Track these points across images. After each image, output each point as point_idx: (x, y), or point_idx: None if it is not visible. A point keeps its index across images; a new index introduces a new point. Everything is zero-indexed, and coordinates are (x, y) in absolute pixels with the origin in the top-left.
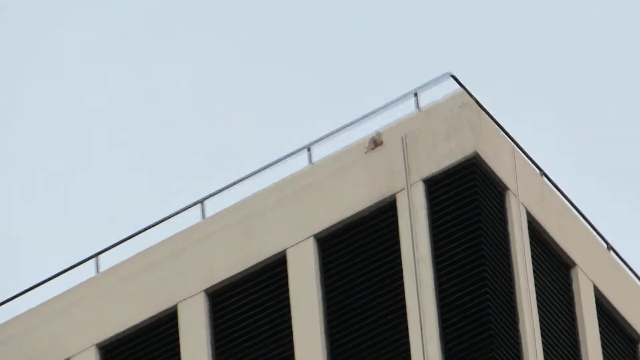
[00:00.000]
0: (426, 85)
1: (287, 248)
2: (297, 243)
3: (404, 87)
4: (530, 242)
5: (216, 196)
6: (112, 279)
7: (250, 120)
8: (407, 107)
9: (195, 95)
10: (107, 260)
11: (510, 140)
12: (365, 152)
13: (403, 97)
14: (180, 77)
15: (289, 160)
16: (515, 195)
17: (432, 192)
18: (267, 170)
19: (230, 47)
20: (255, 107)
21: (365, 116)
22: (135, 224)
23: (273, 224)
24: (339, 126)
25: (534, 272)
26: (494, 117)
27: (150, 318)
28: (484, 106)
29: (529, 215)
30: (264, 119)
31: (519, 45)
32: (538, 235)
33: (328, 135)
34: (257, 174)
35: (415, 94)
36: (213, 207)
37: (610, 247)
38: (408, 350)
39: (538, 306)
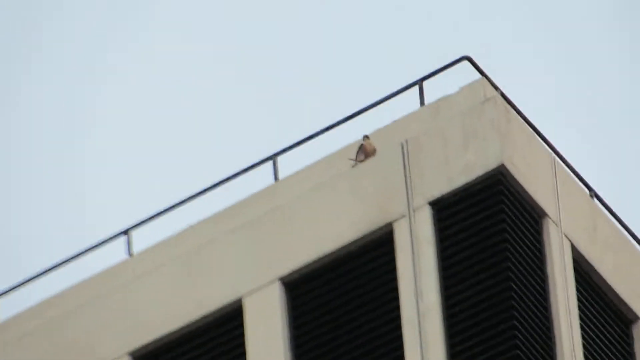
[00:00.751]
0: (434, 73)
1: (244, 296)
2: (258, 289)
3: (405, 77)
4: (577, 289)
5: (147, 225)
6: (6, 336)
7: (195, 122)
8: (409, 103)
9: (131, 95)
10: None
11: (549, 149)
12: (352, 166)
13: (403, 90)
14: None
15: (247, 175)
16: (557, 225)
17: (442, 220)
18: (217, 189)
19: (186, 32)
20: (203, 104)
21: (350, 116)
22: (38, 262)
23: (225, 263)
24: (314, 130)
25: (582, 328)
26: (528, 117)
27: None
28: (514, 102)
29: (575, 251)
30: (214, 120)
31: (560, 21)
32: (588, 279)
33: (300, 142)
34: (204, 195)
35: (420, 85)
36: (142, 239)
37: None
38: None
39: None
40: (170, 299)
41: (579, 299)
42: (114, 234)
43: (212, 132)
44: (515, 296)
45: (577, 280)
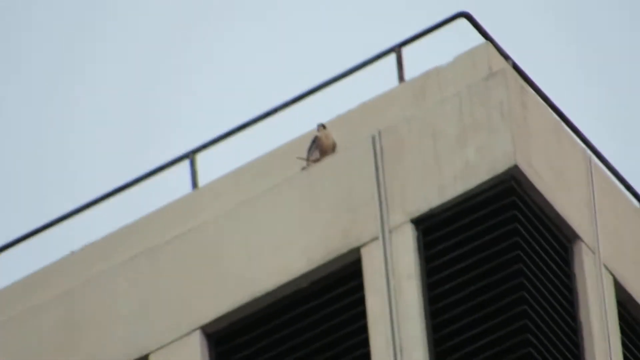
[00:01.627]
0: (419, 36)
1: (152, 352)
2: (171, 342)
3: (377, 41)
4: (623, 342)
5: (9, 252)
6: None
7: (93, 110)
8: (383, 79)
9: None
10: None
11: (583, 145)
12: (302, 167)
13: (374, 60)
14: None
15: (154, 181)
16: (594, 253)
17: (430, 245)
18: (112, 199)
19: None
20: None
21: (300, 96)
22: None
23: (123, 305)
24: (249, 116)
25: None
26: (552, 98)
27: None
28: (532, 77)
29: (619, 290)
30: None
31: None
32: (637, 329)
33: (230, 134)
34: (92, 209)
35: (398, 53)
36: (3, 273)
37: None
38: None
39: None
40: (47, 357)
41: (625, 357)
42: None
43: (113, 122)
44: (535, 353)
45: (622, 330)
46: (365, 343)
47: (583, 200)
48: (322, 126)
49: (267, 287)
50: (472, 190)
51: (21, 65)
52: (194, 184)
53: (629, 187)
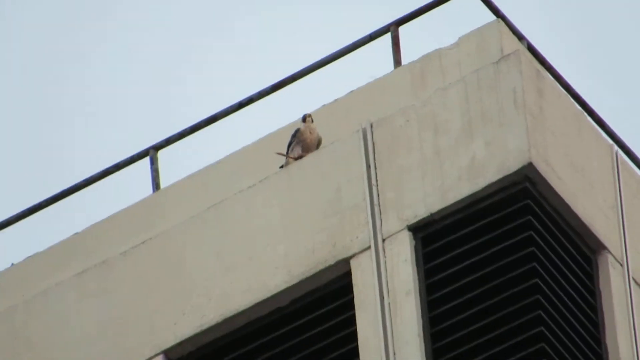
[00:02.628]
0: (418, 14)
1: None
2: None
3: (370, 20)
4: None
5: None
6: None
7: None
8: (377, 63)
9: None
10: None
11: (609, 140)
12: (282, 165)
13: (366, 41)
14: None
15: (109, 180)
16: (621, 264)
17: (431, 257)
18: (58, 204)
19: None
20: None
21: (278, 84)
22: None
23: (74, 328)
24: (220, 106)
25: None
26: (574, 86)
27: None
28: (550, 61)
29: None
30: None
31: None
32: None
33: (196, 128)
34: (38, 214)
35: (394, 33)
36: None
37: None
38: None
39: None
40: None
41: None
42: None
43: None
44: None
45: None
46: None
47: (609, 204)
48: (308, 116)
49: (240, 305)
50: (479, 192)
51: None
52: (155, 184)
53: None
